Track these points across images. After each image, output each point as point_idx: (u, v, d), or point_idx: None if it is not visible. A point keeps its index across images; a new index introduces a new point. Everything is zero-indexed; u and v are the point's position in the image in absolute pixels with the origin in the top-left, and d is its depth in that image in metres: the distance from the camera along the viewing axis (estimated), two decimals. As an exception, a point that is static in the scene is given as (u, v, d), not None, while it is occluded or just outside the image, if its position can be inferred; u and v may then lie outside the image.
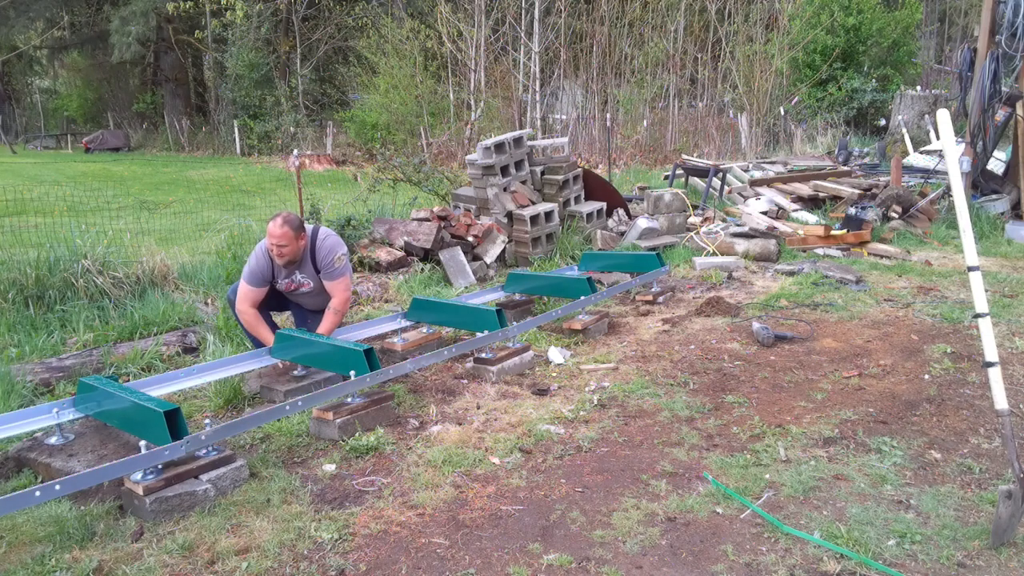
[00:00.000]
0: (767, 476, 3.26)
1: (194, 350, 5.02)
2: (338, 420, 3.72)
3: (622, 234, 8.32)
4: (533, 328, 5.30)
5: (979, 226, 8.54)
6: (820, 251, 7.96)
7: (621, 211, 8.76)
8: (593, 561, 2.69)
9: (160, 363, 4.76)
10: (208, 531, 2.91)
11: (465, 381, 4.56)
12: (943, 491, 3.12)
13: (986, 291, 4.33)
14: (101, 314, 5.21)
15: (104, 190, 12.07)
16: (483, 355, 4.63)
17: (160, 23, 26.33)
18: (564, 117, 18.47)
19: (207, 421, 3.35)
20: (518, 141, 7.97)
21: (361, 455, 3.55)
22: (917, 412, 3.93)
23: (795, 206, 9.97)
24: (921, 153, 13.28)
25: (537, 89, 18.28)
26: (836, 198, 10.06)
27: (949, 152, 2.96)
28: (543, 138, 15.66)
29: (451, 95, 18.79)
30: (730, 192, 10.59)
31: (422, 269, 6.79)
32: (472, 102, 17.93)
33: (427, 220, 7.19)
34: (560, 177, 8.14)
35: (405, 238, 6.97)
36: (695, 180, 11.19)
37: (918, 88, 20.45)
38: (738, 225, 8.50)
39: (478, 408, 4.11)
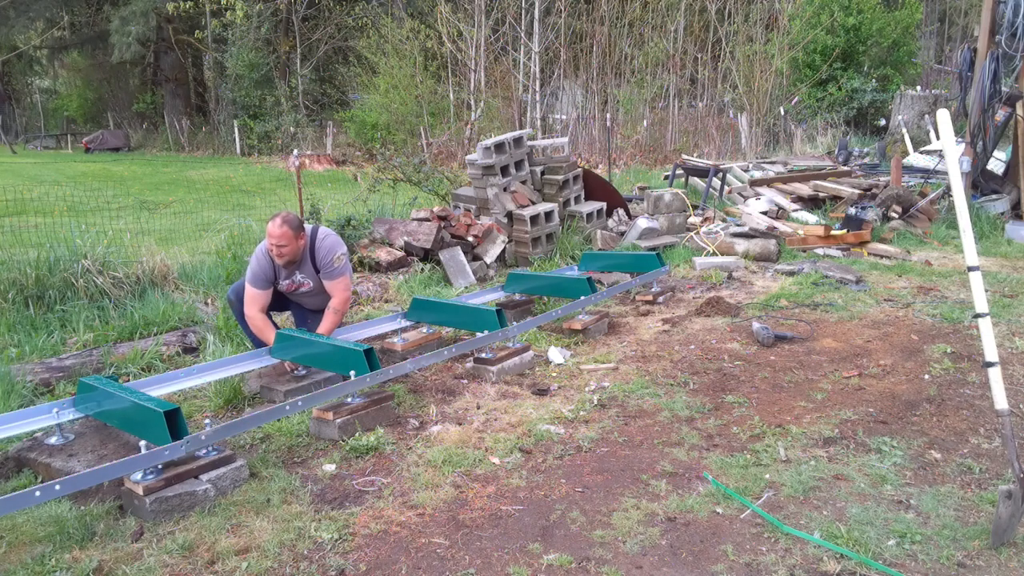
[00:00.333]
0: (767, 476, 3.26)
1: (194, 350, 5.02)
2: (338, 420, 3.72)
3: (622, 234, 8.32)
4: (533, 328, 5.30)
5: (979, 226, 8.54)
6: (820, 251, 7.96)
7: (621, 211, 8.76)
8: (593, 561, 2.69)
9: (160, 363, 4.76)
10: (208, 531, 2.91)
11: (465, 381, 4.56)
12: (943, 491, 3.12)
13: (986, 291, 4.33)
14: (101, 314, 5.21)
15: (104, 190, 12.08)
16: (483, 355, 4.63)
17: (160, 23, 26.34)
18: (564, 117, 18.47)
19: (207, 421, 3.35)
20: (518, 141, 7.97)
21: (361, 455, 3.55)
22: (917, 412, 3.93)
23: (795, 206, 9.97)
24: (921, 153, 13.28)
25: (537, 89, 18.28)
26: (836, 198, 10.06)
27: (949, 152, 2.96)
28: (543, 138, 15.67)
29: (451, 95, 18.79)
30: (730, 192, 10.59)
31: (422, 269, 6.80)
32: (472, 102, 17.94)
33: (427, 220, 7.19)
34: (560, 177, 8.14)
35: (405, 238, 6.97)
36: (695, 180, 11.19)
37: (918, 88, 20.45)
38: (738, 225, 8.50)
39: (478, 408, 4.11)
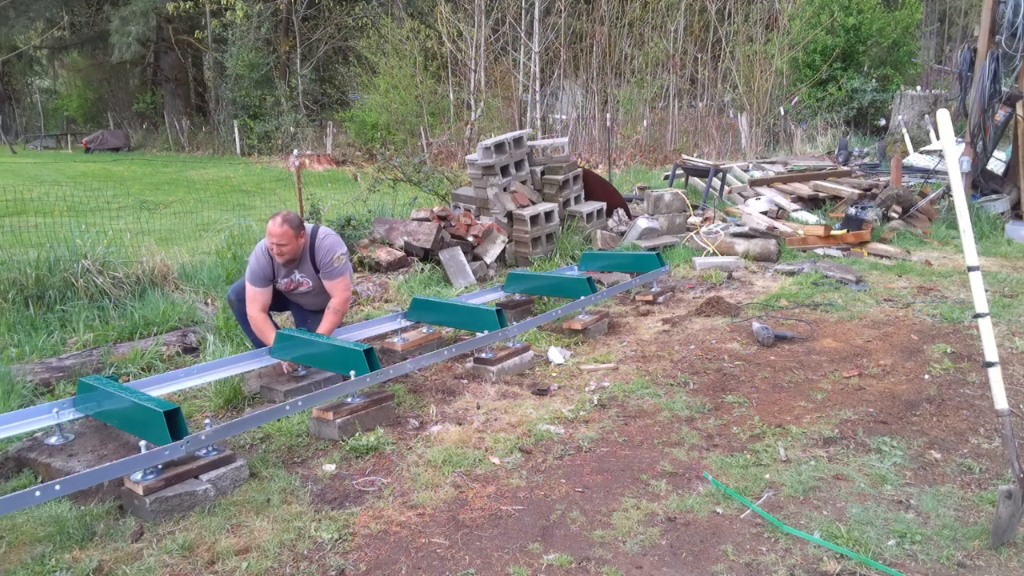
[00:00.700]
0: (767, 476, 3.26)
1: (194, 350, 5.02)
2: (338, 420, 3.72)
3: (622, 234, 8.32)
4: (533, 328, 5.30)
5: (979, 226, 8.55)
6: (820, 251, 7.96)
7: (621, 211, 8.76)
8: (593, 561, 2.69)
9: (160, 363, 4.76)
10: (208, 531, 2.91)
11: (465, 381, 4.56)
12: (943, 491, 3.12)
13: (986, 291, 4.33)
14: (101, 314, 5.21)
15: (104, 190, 12.08)
16: (483, 355, 4.63)
17: (160, 23, 26.34)
18: (564, 117, 18.46)
19: (207, 421, 3.34)
20: (518, 141, 7.97)
21: (361, 455, 3.55)
22: (917, 412, 3.93)
23: (795, 206, 9.97)
24: (921, 153, 13.28)
25: (537, 89, 18.28)
26: (836, 198, 10.07)
27: (949, 152, 2.96)
28: (543, 138, 15.67)
29: (451, 95, 18.79)
30: (730, 192, 10.59)
31: (422, 269, 6.80)
32: (472, 102, 17.94)
33: (427, 220, 7.19)
34: (560, 177, 8.14)
35: (405, 238, 6.97)
36: (695, 180, 11.19)
37: (918, 88, 20.45)
38: (738, 225, 8.50)
39: (478, 408, 4.11)
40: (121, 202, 11.02)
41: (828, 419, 3.85)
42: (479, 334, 4.66)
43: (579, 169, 8.59)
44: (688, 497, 3.10)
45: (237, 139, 24.52)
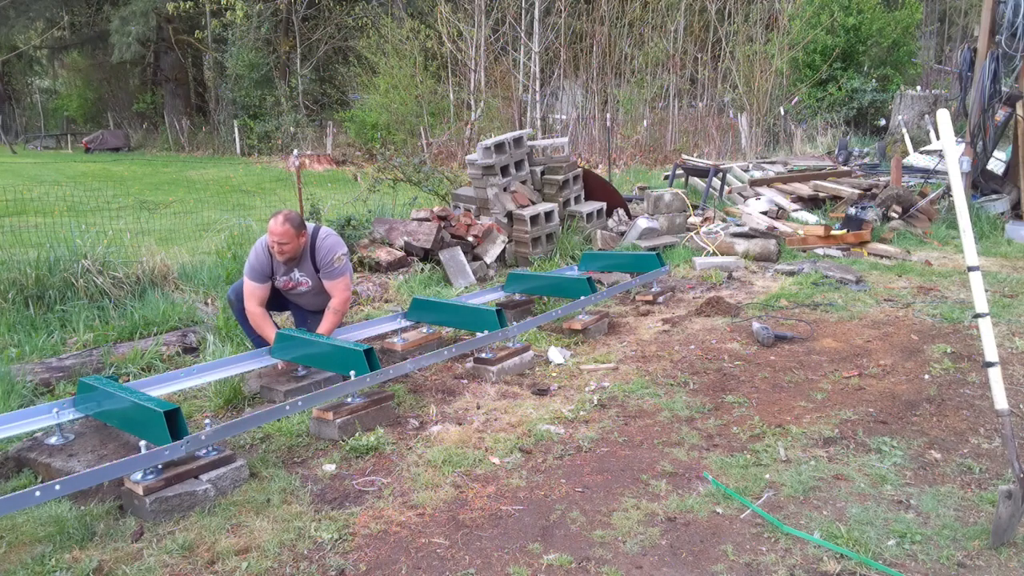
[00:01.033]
0: (767, 476, 3.26)
1: (194, 350, 5.02)
2: (338, 420, 3.72)
3: (622, 234, 8.32)
4: (533, 328, 5.30)
5: (979, 226, 8.55)
6: (820, 251, 7.96)
7: (621, 211, 8.76)
8: (593, 561, 2.69)
9: (160, 363, 4.76)
10: (208, 531, 2.91)
11: (465, 381, 4.56)
12: (943, 491, 3.12)
13: (986, 291, 4.33)
14: (101, 314, 5.21)
15: (104, 190, 12.08)
16: (483, 355, 4.63)
17: (160, 23, 26.34)
18: (564, 117, 18.46)
19: (207, 421, 3.34)
20: (518, 141, 7.97)
21: (361, 455, 3.55)
22: (917, 412, 3.93)
23: (795, 206, 9.97)
24: (921, 153, 13.28)
25: (537, 89, 18.28)
26: (836, 198, 10.07)
27: (949, 152, 2.96)
28: (543, 138, 15.66)
29: (451, 95, 18.79)
30: (730, 192, 10.59)
31: (422, 269, 6.79)
32: (472, 102, 17.94)
33: (427, 220, 7.19)
34: (560, 177, 8.14)
35: (405, 238, 6.97)
36: (695, 180, 11.19)
37: (918, 88, 20.45)
38: (738, 225, 8.50)
39: (478, 408, 4.11)
40: (121, 202, 11.02)
41: (828, 419, 3.85)
42: (479, 334, 4.66)
43: (579, 169, 8.59)
44: (688, 497, 3.10)
45: (237, 139, 24.52)
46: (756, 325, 5.22)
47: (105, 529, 2.93)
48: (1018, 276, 6.80)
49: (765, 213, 9.38)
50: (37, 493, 2.72)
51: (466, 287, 6.72)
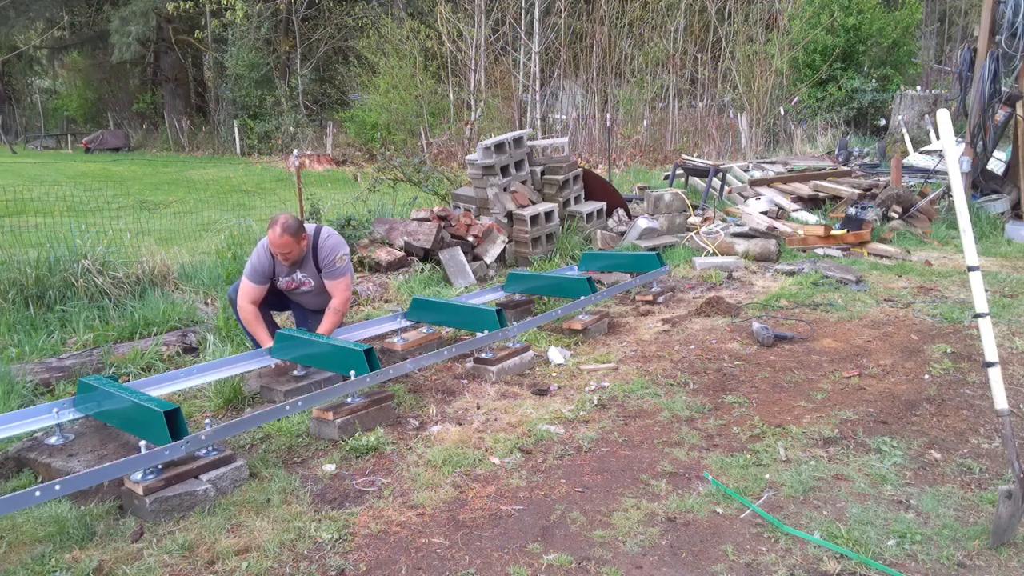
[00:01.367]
0: (767, 476, 3.26)
1: (194, 350, 5.02)
2: (338, 420, 3.72)
3: (622, 234, 8.32)
4: (533, 328, 5.30)
5: (979, 226, 8.55)
6: (820, 251, 7.96)
7: (621, 211, 8.76)
8: (593, 561, 2.69)
9: (160, 363, 4.76)
10: (208, 531, 2.91)
11: (465, 381, 4.56)
12: (943, 491, 3.12)
13: (986, 291, 4.33)
14: (101, 314, 5.21)
15: (104, 190, 12.07)
16: (483, 355, 4.63)
17: (160, 23, 26.33)
18: (564, 117, 18.46)
19: (207, 421, 3.34)
20: (518, 141, 7.97)
21: (361, 455, 3.55)
22: (917, 412, 3.93)
23: (795, 206, 9.97)
24: (921, 153, 13.28)
25: (537, 89, 18.28)
26: (836, 198, 10.07)
27: (949, 152, 2.96)
28: (543, 138, 15.67)
29: (451, 95, 18.79)
30: (730, 192, 10.59)
31: (422, 269, 6.80)
32: (472, 102, 17.93)
33: (427, 220, 7.20)
34: (560, 177, 8.14)
35: (405, 238, 6.97)
36: (695, 180, 11.19)
37: (918, 88, 20.45)
38: (738, 225, 8.50)
39: (478, 408, 4.11)
40: (121, 202, 11.02)
41: (828, 419, 3.85)
42: (479, 334, 4.66)
43: (579, 169, 8.59)
44: (688, 497, 3.10)
45: (237, 139, 24.51)
46: (756, 325, 5.22)
47: (105, 529, 2.93)
48: (1018, 276, 6.80)
49: (765, 213, 9.38)
50: (37, 493, 2.72)
51: (466, 287, 6.72)
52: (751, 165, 13.03)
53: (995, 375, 2.79)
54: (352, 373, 3.83)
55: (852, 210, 8.72)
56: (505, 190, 7.86)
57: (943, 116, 2.94)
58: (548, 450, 3.58)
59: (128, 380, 4.33)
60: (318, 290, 4.63)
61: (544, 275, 6.34)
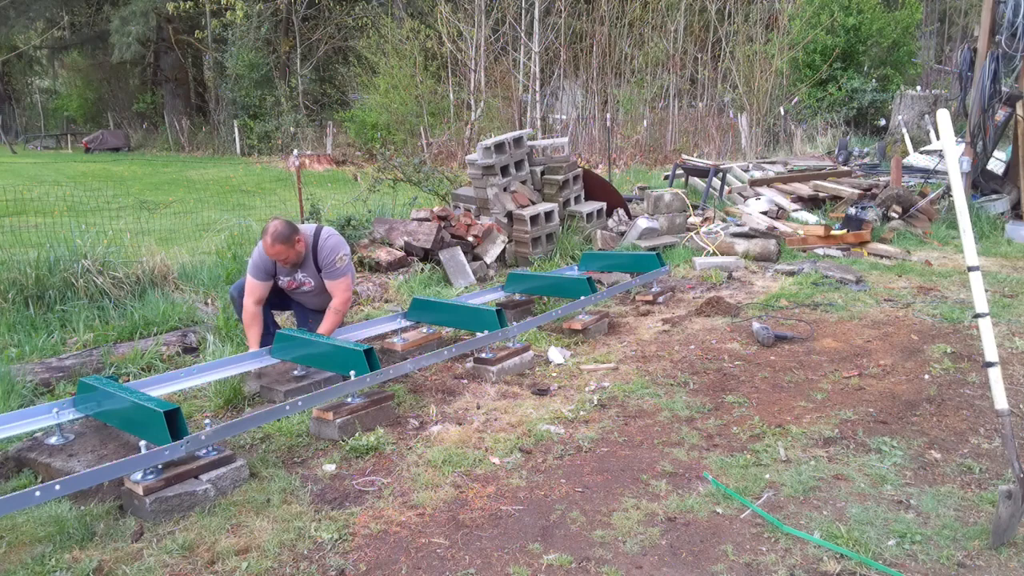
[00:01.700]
0: (767, 476, 3.26)
1: (194, 350, 5.02)
2: (338, 420, 3.72)
3: (622, 234, 8.32)
4: (533, 328, 5.30)
5: (979, 226, 8.55)
6: (820, 251, 7.96)
7: (621, 211, 8.76)
8: (593, 561, 2.69)
9: (160, 363, 4.76)
10: (208, 531, 2.91)
11: (465, 381, 4.56)
12: (943, 491, 3.12)
13: (986, 291, 4.33)
14: (101, 314, 5.21)
15: (104, 190, 12.07)
16: (483, 355, 4.63)
17: (160, 23, 26.34)
18: (564, 117, 18.46)
19: (207, 421, 3.35)
20: (518, 141, 7.97)
21: (361, 455, 3.55)
22: (917, 412, 3.93)
23: (795, 206, 9.97)
24: (921, 153, 13.28)
25: (537, 89, 18.28)
26: (836, 198, 10.07)
27: (949, 152, 2.96)
28: (543, 138, 15.66)
29: (451, 95, 18.79)
30: (730, 192, 10.59)
31: (422, 269, 6.80)
32: (472, 102, 17.93)
33: (427, 220, 7.20)
34: (560, 177, 8.14)
35: (405, 238, 6.97)
36: (695, 180, 11.19)
37: (918, 88, 20.45)
38: (738, 225, 8.50)
39: (478, 408, 4.11)
40: (121, 202, 11.02)
41: (828, 419, 3.85)
42: (479, 334, 4.66)
43: (579, 169, 8.59)
44: (688, 497, 3.10)
45: (237, 139, 24.51)
46: (756, 325, 5.22)
47: (105, 529, 2.93)
48: (1018, 276, 6.80)
49: (765, 213, 9.38)
50: (37, 493, 2.72)
51: (466, 287, 6.72)
52: (751, 165, 13.03)
53: (995, 375, 2.79)
54: (352, 373, 3.83)
55: (852, 210, 8.72)
56: (505, 190, 7.86)
57: (943, 116, 2.94)
58: (548, 450, 3.58)
59: (128, 380, 4.34)
60: (319, 290, 4.64)
61: (544, 275, 6.34)
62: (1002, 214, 9.05)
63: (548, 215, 7.79)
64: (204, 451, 3.25)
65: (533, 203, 7.93)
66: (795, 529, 2.84)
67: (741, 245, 7.84)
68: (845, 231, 8.32)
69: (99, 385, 3.59)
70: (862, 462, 3.38)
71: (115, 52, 26.18)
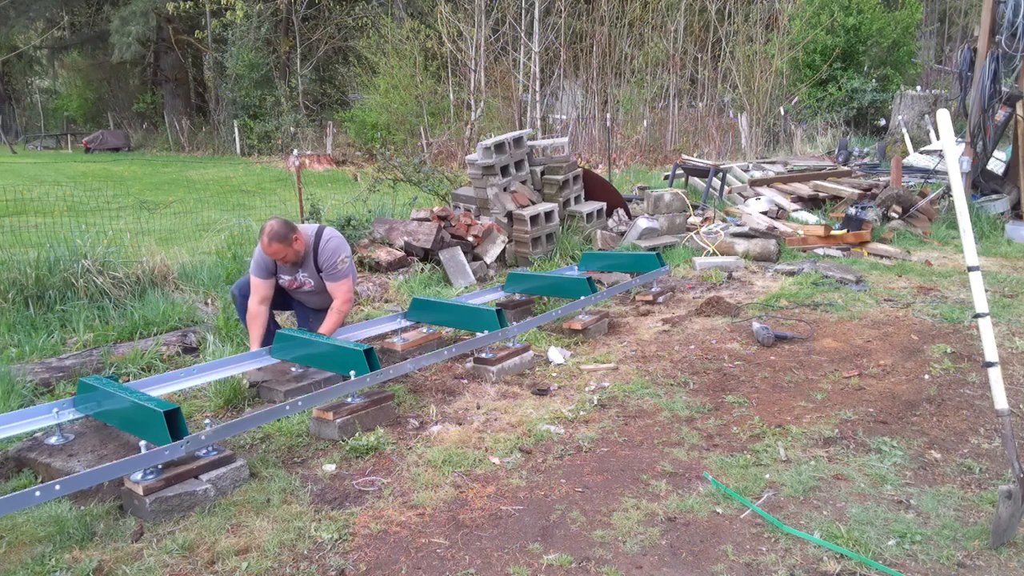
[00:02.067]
0: (767, 476, 3.26)
1: (194, 350, 5.02)
2: (338, 420, 3.72)
3: (622, 234, 8.32)
4: (533, 328, 5.30)
5: (979, 226, 8.55)
6: (820, 251, 7.96)
7: (621, 211, 8.76)
8: (593, 561, 2.69)
9: (160, 363, 4.76)
10: (208, 531, 2.91)
11: (465, 381, 4.56)
12: (943, 491, 3.12)
13: (986, 291, 4.33)
14: (101, 314, 5.21)
15: (104, 190, 12.07)
16: (483, 355, 4.63)
17: (160, 23, 26.34)
18: (564, 117, 18.46)
19: (207, 421, 3.35)
20: (518, 141, 7.97)
21: (361, 455, 3.55)
22: (917, 412, 3.93)
23: (795, 206, 9.97)
24: (921, 153, 13.28)
25: (537, 89, 18.28)
26: (836, 198, 10.07)
27: (949, 152, 2.96)
28: (543, 138, 15.66)
29: (451, 95, 18.79)
30: (730, 192, 10.59)
31: (422, 269, 6.80)
32: (472, 102, 17.93)
33: (427, 220, 7.19)
34: (560, 177, 8.14)
35: (405, 238, 6.97)
36: (695, 180, 11.19)
37: (918, 88, 20.45)
38: (738, 225, 8.50)
39: (478, 408, 4.11)
40: (121, 202, 11.02)
41: (828, 419, 3.85)
42: (479, 334, 4.66)
43: (579, 169, 8.59)
44: (688, 497, 3.10)
45: (237, 139, 24.51)
46: (756, 325, 5.22)
47: (105, 529, 2.93)
48: (1018, 276, 6.80)
49: (765, 213, 9.38)
50: (37, 493, 2.72)
51: (466, 287, 6.72)
52: (751, 165, 13.03)
53: (995, 375, 2.79)
54: (352, 373, 3.83)
55: (852, 210, 8.72)
56: (505, 190, 7.86)
57: (943, 116, 2.94)
58: (548, 450, 3.58)
59: (128, 380, 4.34)
60: (319, 290, 4.64)
61: (544, 275, 6.34)
62: (1002, 214, 9.05)
63: (548, 215, 7.79)
64: (204, 451, 3.25)
65: (533, 203, 7.93)
66: (795, 529, 2.84)
67: (741, 245, 7.84)
68: (845, 231, 8.32)
69: (99, 385, 3.59)
70: (862, 462, 3.39)
71: (115, 52, 26.18)
